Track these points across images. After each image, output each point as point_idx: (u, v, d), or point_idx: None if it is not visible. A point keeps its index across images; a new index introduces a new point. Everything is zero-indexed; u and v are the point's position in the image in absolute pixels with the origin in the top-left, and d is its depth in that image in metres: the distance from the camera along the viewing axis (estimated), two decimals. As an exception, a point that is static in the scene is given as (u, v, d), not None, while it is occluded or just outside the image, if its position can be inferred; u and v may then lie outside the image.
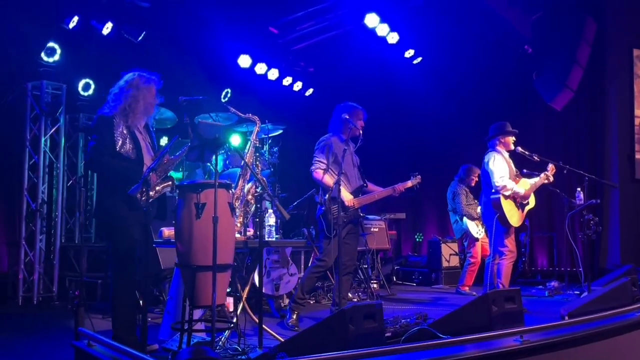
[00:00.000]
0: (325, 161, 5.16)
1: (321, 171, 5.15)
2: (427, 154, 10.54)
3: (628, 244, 8.62)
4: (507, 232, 6.04)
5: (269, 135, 7.11)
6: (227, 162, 5.98)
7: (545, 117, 9.25)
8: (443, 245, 8.71)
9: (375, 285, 7.94)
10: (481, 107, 9.53)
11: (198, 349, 2.61)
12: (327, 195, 5.03)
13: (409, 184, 5.61)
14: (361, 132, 5.32)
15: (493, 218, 6.02)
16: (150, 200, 3.92)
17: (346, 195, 5.09)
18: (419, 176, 5.67)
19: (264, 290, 5.93)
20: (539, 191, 7.33)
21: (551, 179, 6.37)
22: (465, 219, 7.66)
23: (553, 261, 8.17)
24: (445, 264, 8.64)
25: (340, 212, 4.70)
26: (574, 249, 7.65)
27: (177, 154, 4.22)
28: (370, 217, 8.14)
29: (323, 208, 5.08)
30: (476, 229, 7.55)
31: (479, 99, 9.69)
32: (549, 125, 9.32)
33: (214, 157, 3.67)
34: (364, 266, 7.38)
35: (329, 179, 5.13)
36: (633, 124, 9.04)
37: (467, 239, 7.70)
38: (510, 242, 6.04)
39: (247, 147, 4.89)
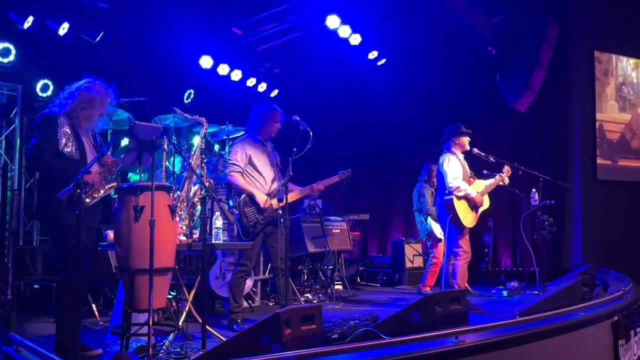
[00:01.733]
0: (239, 163, 5.10)
1: (236, 174, 5.09)
2: (393, 156, 10.58)
3: (590, 244, 8.72)
4: (460, 232, 6.09)
5: (229, 137, 7.08)
6: (185, 164, 5.95)
7: (510, 119, 9.32)
8: (407, 246, 8.73)
9: (339, 287, 7.93)
10: (447, 109, 9.56)
11: (120, 355, 2.58)
12: (240, 199, 4.99)
13: (336, 179, 5.56)
14: (305, 132, 5.19)
15: (447, 219, 6.03)
16: (94, 202, 3.89)
17: (261, 197, 5.04)
18: (349, 170, 5.63)
19: (219, 293, 5.91)
20: (503, 192, 7.45)
21: (506, 180, 6.45)
22: (429, 219, 7.68)
23: (516, 261, 8.26)
24: (408, 264, 8.66)
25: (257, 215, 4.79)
26: (536, 249, 7.71)
27: (122, 156, 4.18)
28: (332, 218, 8.15)
29: (237, 212, 5.03)
30: (439, 230, 7.54)
31: (445, 101, 9.74)
32: (514, 127, 9.41)
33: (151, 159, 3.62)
34: (325, 267, 7.35)
35: (244, 182, 5.09)
36: (595, 126, 9.17)
37: (430, 239, 7.71)
38: (464, 243, 6.10)
39: (194, 149, 4.85)
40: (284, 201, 4.75)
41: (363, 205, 10.13)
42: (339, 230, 7.98)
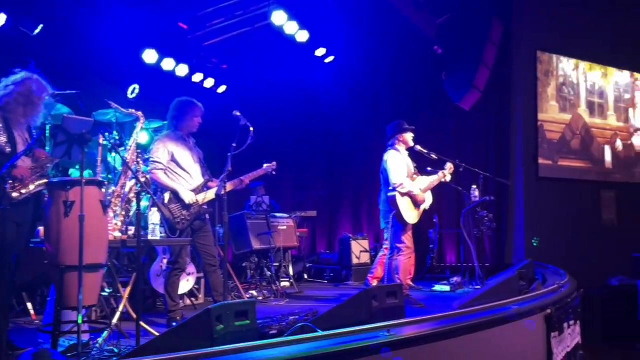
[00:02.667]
0: (161, 160, 5.02)
1: (158, 172, 5.01)
2: (341, 152, 10.60)
3: (532, 239, 8.85)
4: (403, 228, 6.15)
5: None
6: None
7: (455, 118, 9.45)
8: (353, 242, 8.77)
9: (285, 283, 7.93)
10: (392, 106, 9.66)
11: (41, 352, 2.51)
12: (164, 196, 4.93)
13: (261, 171, 5.56)
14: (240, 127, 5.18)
15: (390, 214, 6.09)
16: (23, 197, 3.79)
17: (185, 193, 4.97)
18: (274, 163, 5.64)
19: (160, 291, 5.82)
20: (449, 189, 7.57)
21: (448, 177, 6.54)
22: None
23: (460, 257, 8.35)
24: (355, 260, 8.70)
25: (183, 211, 4.75)
26: (481, 245, 7.88)
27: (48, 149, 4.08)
28: (278, 215, 8.12)
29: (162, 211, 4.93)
30: None
31: (390, 98, 9.81)
32: (459, 125, 9.53)
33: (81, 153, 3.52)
34: (269, 264, 7.34)
35: (167, 179, 5.02)
36: (536, 125, 9.34)
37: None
38: (407, 239, 6.16)
39: (129, 143, 4.76)
40: (221, 195, 4.70)
41: (311, 202, 10.13)
42: (285, 227, 7.97)
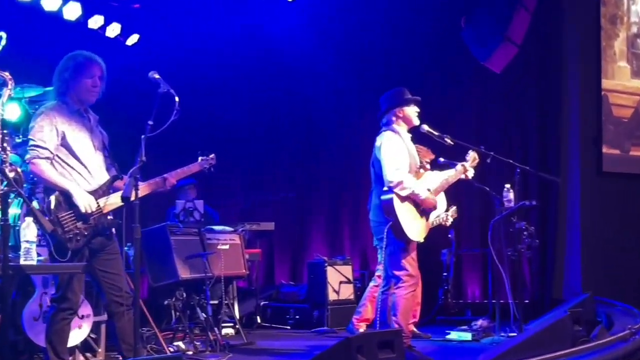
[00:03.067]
0: (47, 145, 4.88)
1: (42, 162, 4.87)
2: (314, 139, 10.64)
3: (592, 264, 8.85)
4: (404, 248, 6.10)
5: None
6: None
7: (481, 85, 9.51)
8: (330, 269, 8.67)
9: (229, 331, 7.91)
10: (384, 69, 9.78)
11: None
12: (51, 199, 4.84)
13: (195, 167, 5.50)
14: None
15: (384, 227, 6.04)
16: None
17: (81, 197, 4.86)
18: (213, 156, 5.59)
19: (37, 342, 5.73)
20: (470, 189, 7.69)
21: (470, 172, 6.54)
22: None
23: (487, 290, 8.30)
24: (332, 296, 8.65)
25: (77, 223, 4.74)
26: (518, 272, 7.72)
27: None
28: (218, 228, 8.06)
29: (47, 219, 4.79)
30: None
31: (385, 59, 9.92)
32: (487, 96, 9.59)
33: None
34: (205, 302, 7.28)
35: (55, 174, 4.90)
36: (599, 97, 9.32)
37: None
38: (409, 264, 6.12)
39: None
40: (131, 199, 4.65)
41: (268, 209, 10.13)
42: (228, 247, 7.89)
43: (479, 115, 9.52)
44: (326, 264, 8.74)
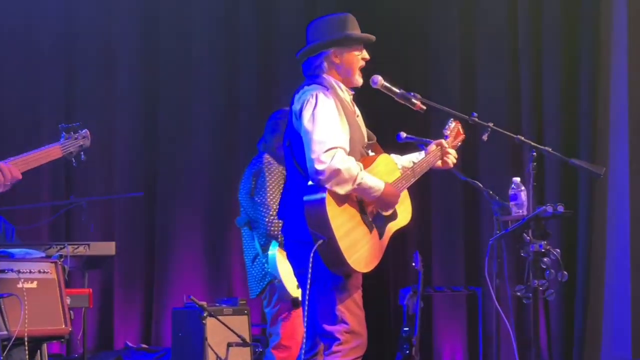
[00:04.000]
0: None
1: None
2: (167, 108, 8.89)
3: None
4: (343, 285, 4.86)
5: None
6: None
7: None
8: (210, 323, 7.00)
9: None
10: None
11: None
12: None
13: (57, 151, 5.11)
14: None
15: (309, 250, 4.75)
16: None
17: None
18: (86, 130, 5.30)
19: None
20: (449, 185, 7.72)
21: (452, 156, 5.23)
22: (275, 245, 6.45)
23: (477, 354, 7.23)
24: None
25: None
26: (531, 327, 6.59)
27: None
28: (17, 252, 6.53)
29: None
30: (293, 278, 6.38)
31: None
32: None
33: None
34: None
35: None
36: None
37: (272, 298, 6.43)
38: (351, 312, 4.92)
39: None
40: None
41: (102, 220, 8.38)
42: (35, 284, 6.50)
43: (474, 71, 8.61)
44: (205, 314, 7.00)
